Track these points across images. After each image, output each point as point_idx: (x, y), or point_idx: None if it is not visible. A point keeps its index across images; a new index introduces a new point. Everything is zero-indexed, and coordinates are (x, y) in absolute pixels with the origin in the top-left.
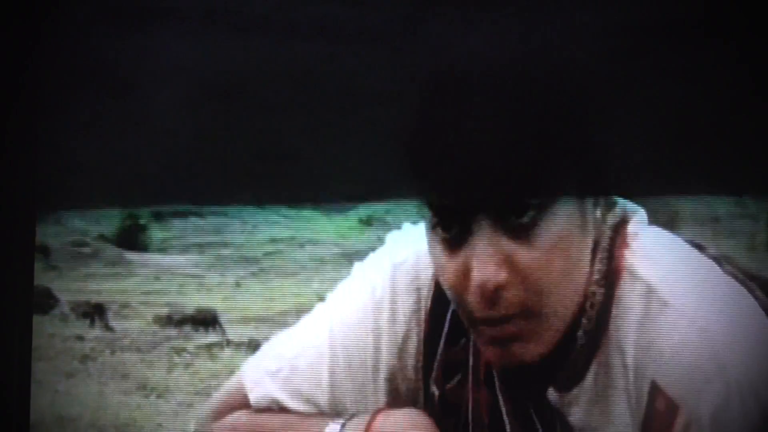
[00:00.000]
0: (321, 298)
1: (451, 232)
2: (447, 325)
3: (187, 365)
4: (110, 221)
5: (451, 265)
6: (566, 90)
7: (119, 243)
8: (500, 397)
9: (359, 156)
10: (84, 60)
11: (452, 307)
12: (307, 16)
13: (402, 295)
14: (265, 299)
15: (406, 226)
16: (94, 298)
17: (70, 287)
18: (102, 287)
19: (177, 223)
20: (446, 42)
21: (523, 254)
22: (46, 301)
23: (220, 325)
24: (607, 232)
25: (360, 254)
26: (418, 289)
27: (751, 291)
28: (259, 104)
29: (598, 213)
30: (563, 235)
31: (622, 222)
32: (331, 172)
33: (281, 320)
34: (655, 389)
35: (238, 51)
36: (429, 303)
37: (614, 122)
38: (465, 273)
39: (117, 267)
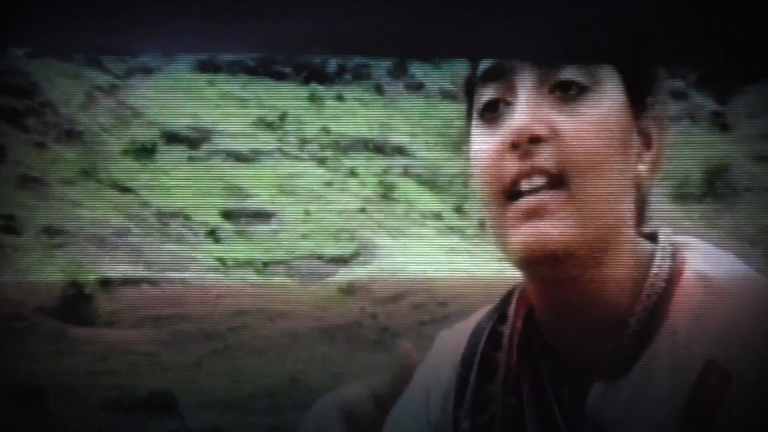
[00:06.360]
0: (295, 380)
1: (494, 98)
2: (479, 357)
3: None
4: (50, 291)
5: (492, 141)
6: None
7: (61, 316)
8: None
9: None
10: None
11: (485, 336)
12: None
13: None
14: (231, 381)
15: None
16: (32, 381)
17: (3, 368)
18: (40, 367)
19: (127, 292)
20: None
21: (563, 118)
22: None
23: (178, 412)
24: (669, 245)
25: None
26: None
27: None
28: None
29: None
30: (608, 114)
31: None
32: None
33: (249, 405)
34: (709, 365)
35: None
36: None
37: None
38: (503, 141)
39: (58, 344)
